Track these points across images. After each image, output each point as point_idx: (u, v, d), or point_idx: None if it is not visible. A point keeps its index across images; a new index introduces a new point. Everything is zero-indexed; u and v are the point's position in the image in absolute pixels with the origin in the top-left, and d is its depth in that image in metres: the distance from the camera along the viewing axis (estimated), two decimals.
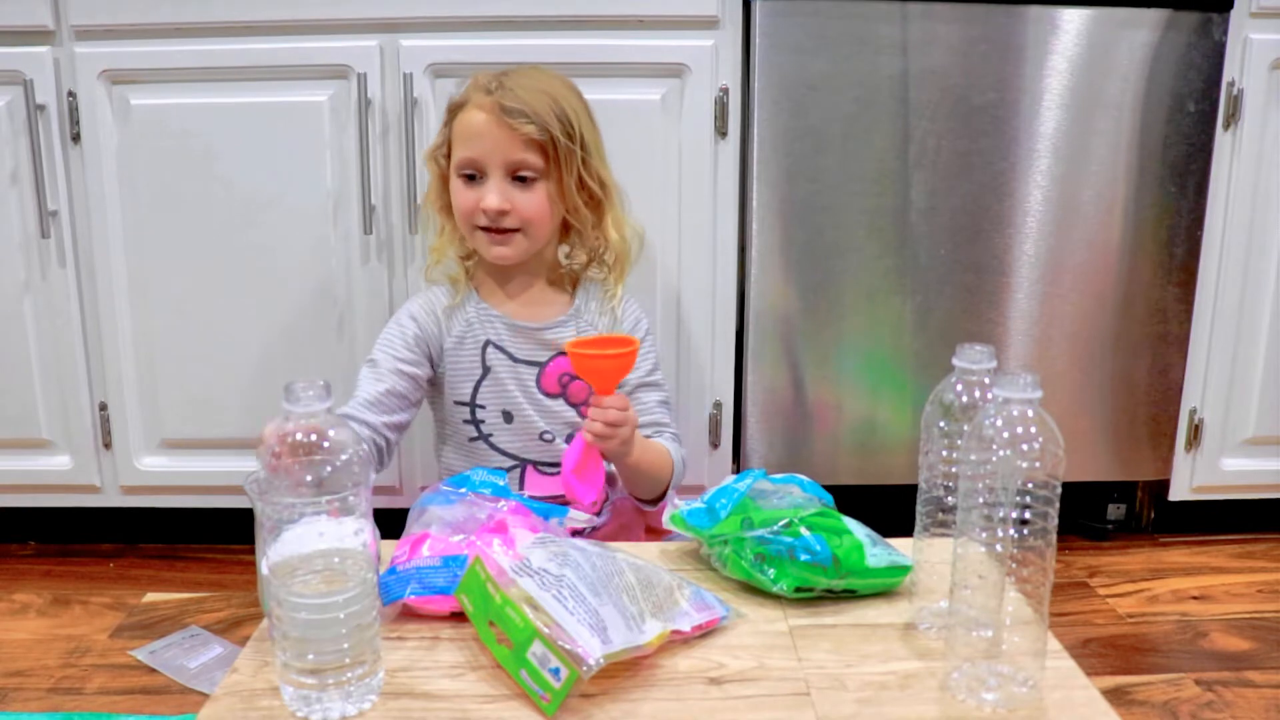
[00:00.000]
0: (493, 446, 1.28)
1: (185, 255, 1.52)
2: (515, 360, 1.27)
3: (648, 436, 1.25)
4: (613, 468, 1.24)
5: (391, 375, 1.24)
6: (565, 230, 1.30)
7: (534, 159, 1.20)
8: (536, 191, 1.22)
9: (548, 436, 1.28)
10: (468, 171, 1.22)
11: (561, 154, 1.21)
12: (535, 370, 1.28)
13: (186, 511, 1.67)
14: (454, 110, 1.24)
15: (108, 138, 1.48)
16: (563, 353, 1.27)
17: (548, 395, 1.28)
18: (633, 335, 1.31)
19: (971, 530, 0.74)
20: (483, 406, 1.28)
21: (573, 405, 1.29)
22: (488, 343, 1.27)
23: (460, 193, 1.23)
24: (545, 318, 1.29)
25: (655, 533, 1.28)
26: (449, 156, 1.25)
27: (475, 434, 1.28)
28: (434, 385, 1.31)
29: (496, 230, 1.23)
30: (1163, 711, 1.24)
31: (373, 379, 1.24)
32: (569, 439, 1.28)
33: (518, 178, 1.21)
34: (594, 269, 1.33)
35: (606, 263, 1.32)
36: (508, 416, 1.28)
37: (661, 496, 1.27)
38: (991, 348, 0.81)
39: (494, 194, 1.20)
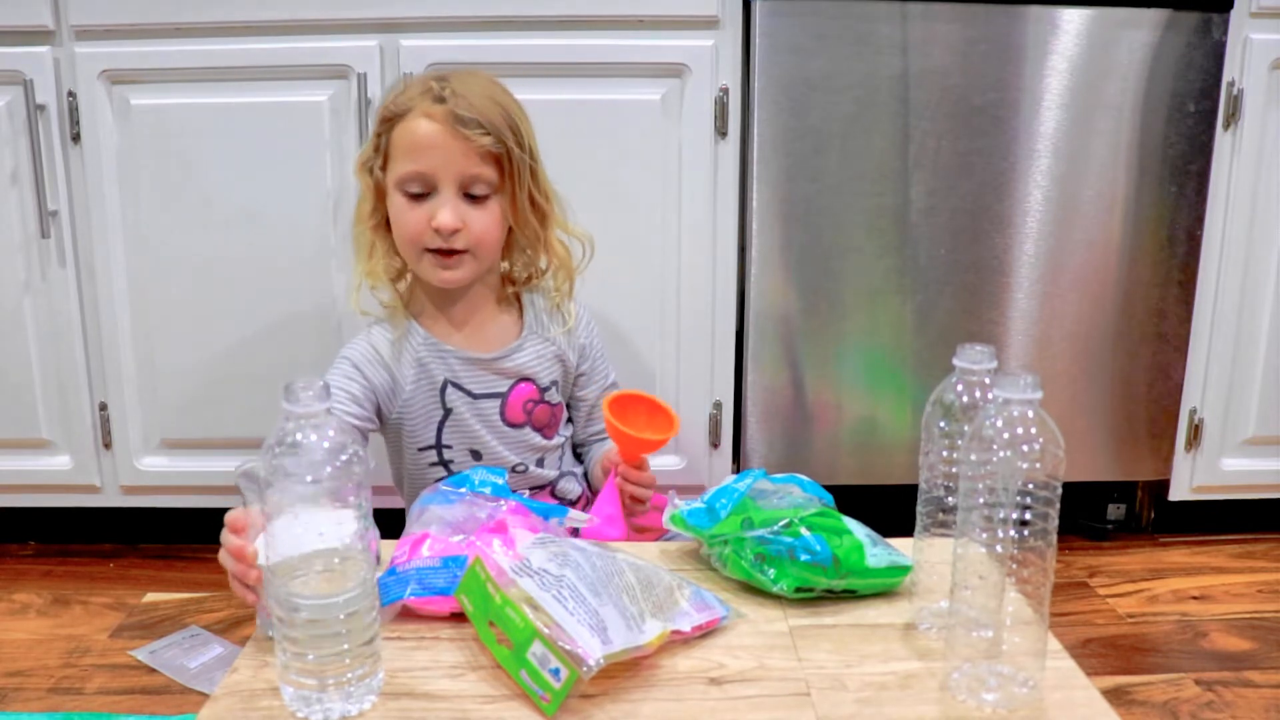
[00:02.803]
0: None
1: (185, 255, 1.52)
2: (474, 396, 1.20)
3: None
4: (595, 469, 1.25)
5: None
6: (508, 245, 1.22)
7: (489, 173, 1.12)
8: (489, 209, 1.13)
9: (521, 468, 1.22)
10: (413, 188, 1.12)
11: (516, 167, 1.12)
12: (497, 402, 1.20)
13: (186, 511, 1.67)
14: (392, 119, 1.12)
15: (108, 138, 1.48)
16: (525, 379, 1.22)
17: (512, 426, 1.21)
18: (589, 345, 1.29)
19: (972, 530, 0.74)
20: (449, 447, 1.20)
21: (537, 430, 1.23)
22: (446, 382, 1.19)
23: (405, 211, 1.12)
24: (498, 344, 1.21)
25: (644, 531, 1.28)
26: (384, 168, 1.14)
27: (444, 474, 1.20)
28: (390, 432, 1.24)
29: (446, 252, 1.13)
30: (1163, 711, 1.24)
31: None
32: (539, 463, 1.24)
33: (468, 194, 1.12)
34: (536, 281, 1.26)
35: (545, 275, 1.25)
36: (476, 455, 1.21)
37: None
38: (992, 348, 0.81)
39: (448, 210, 1.10)
